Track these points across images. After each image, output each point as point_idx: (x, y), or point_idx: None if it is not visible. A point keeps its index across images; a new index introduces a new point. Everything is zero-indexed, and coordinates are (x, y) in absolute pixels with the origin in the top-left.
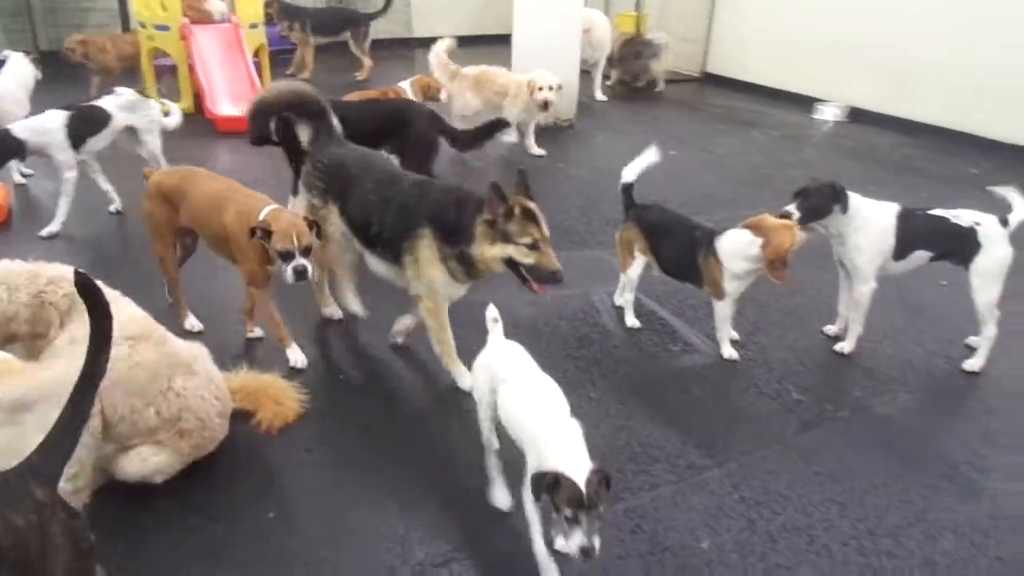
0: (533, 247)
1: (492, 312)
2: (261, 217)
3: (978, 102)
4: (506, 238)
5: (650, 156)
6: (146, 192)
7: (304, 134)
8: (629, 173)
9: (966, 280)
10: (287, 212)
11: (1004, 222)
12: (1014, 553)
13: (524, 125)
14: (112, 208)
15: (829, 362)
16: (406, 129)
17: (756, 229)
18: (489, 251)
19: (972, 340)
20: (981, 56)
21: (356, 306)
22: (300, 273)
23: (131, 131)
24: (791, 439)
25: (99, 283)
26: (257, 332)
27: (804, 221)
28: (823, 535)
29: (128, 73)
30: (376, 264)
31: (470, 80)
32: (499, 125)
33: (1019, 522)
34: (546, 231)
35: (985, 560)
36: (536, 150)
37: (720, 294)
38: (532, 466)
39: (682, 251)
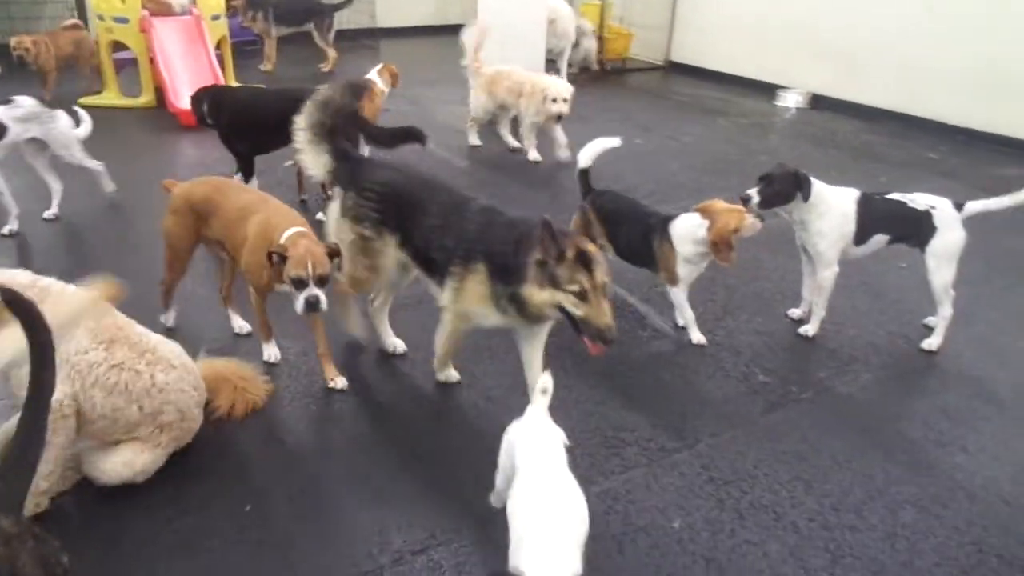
0: (582, 296)
1: (544, 381)
2: (282, 240)
3: (933, 88)
4: (555, 283)
5: (607, 143)
6: (170, 206)
7: (324, 155)
8: (585, 158)
9: (923, 263)
10: (308, 238)
11: (958, 206)
12: (970, 523)
13: (528, 128)
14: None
15: (794, 345)
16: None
17: (704, 212)
18: (538, 295)
19: (930, 320)
20: (935, 43)
21: (388, 338)
22: (312, 304)
23: (38, 143)
24: (758, 420)
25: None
26: (244, 328)
27: (764, 206)
28: (790, 511)
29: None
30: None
31: (485, 79)
32: (415, 135)
33: (975, 493)
34: (602, 278)
35: (943, 530)
36: (534, 155)
37: (674, 279)
38: (511, 554)
39: (638, 237)
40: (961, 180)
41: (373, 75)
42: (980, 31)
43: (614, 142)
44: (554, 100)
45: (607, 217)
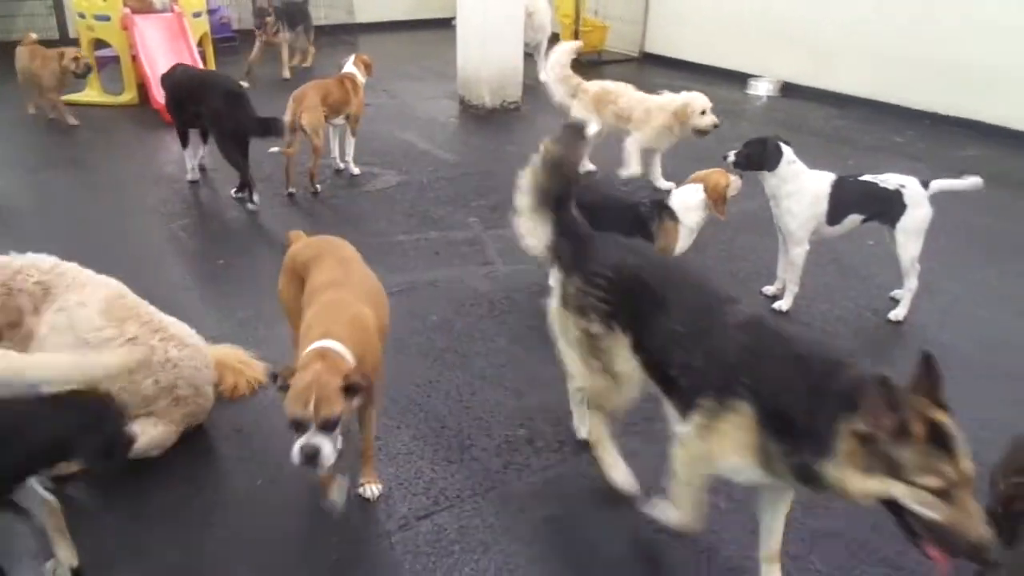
0: (942, 494)
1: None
2: (301, 355)
3: (900, 74)
4: (893, 469)
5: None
6: (283, 265)
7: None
8: None
9: (891, 239)
10: (327, 361)
11: (925, 184)
12: None
13: (650, 154)
14: None
15: None
16: (201, 106)
17: (696, 180)
18: (859, 483)
19: (896, 293)
20: (901, 31)
21: (620, 476)
22: (310, 457)
23: None
24: None
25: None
26: None
27: (738, 167)
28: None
29: None
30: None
31: (590, 97)
32: (276, 127)
33: None
34: (968, 468)
35: None
36: (663, 183)
37: (671, 255)
38: None
39: (629, 225)
40: (926, 162)
41: (350, 67)
42: (943, 19)
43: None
44: (702, 112)
45: (589, 210)
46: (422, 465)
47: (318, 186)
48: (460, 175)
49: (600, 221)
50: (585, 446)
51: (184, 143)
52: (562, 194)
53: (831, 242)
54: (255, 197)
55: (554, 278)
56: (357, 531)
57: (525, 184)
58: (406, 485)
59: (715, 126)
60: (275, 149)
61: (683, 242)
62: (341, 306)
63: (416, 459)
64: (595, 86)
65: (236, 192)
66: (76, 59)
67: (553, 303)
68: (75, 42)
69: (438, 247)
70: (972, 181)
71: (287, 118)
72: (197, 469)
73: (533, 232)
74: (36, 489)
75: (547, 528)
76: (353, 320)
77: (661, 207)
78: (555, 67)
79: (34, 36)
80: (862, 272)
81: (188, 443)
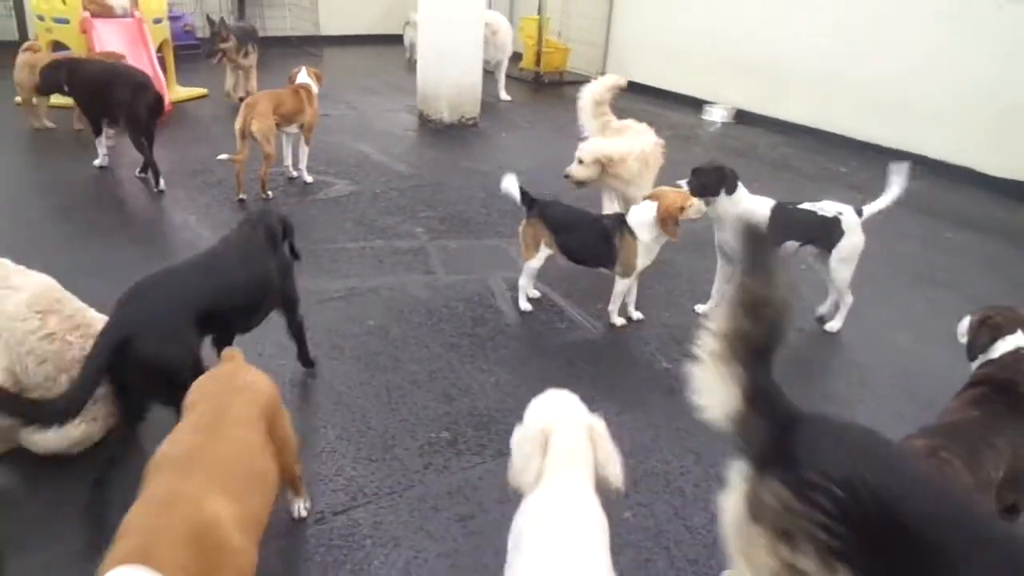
0: None
1: None
2: None
3: (845, 106)
4: None
5: (511, 181)
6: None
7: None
8: (511, 187)
9: (823, 265)
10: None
11: (859, 212)
12: None
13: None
14: None
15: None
16: (111, 97)
17: (652, 197)
18: None
19: (820, 309)
20: (846, 63)
21: None
22: None
23: None
24: (658, 402)
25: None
26: None
27: (693, 194)
28: (679, 479)
29: None
30: None
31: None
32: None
33: None
34: None
35: None
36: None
37: (630, 270)
38: None
39: (595, 240)
40: (866, 192)
41: (304, 78)
42: (886, 57)
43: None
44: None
45: (557, 227)
46: (344, 463)
47: (269, 192)
48: (412, 187)
49: (570, 235)
50: (506, 450)
51: (96, 132)
52: (765, 346)
53: None
54: (161, 182)
55: (737, 470)
56: (272, 524)
57: (718, 325)
58: (325, 481)
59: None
60: (224, 156)
61: (642, 259)
62: (177, 507)
63: (339, 457)
64: (620, 126)
65: (139, 172)
66: None
67: (732, 504)
68: None
69: (382, 255)
70: (890, 194)
71: (237, 125)
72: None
73: (712, 391)
74: None
75: (459, 526)
76: (194, 537)
77: (622, 222)
78: (589, 101)
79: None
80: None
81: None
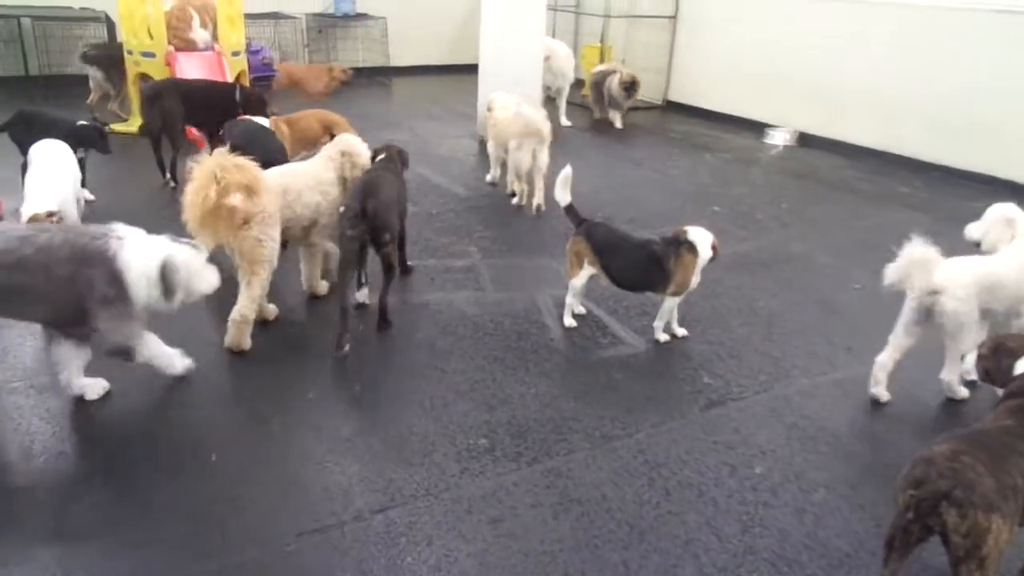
0: None
1: None
2: None
3: (910, 127)
4: None
5: (565, 173)
6: None
7: None
8: (562, 197)
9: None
10: None
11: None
12: (874, 503)
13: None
14: None
15: (741, 353)
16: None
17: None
18: None
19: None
20: (912, 85)
21: None
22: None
23: None
24: (697, 415)
25: None
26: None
27: None
28: (712, 489)
29: None
30: None
31: None
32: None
33: (883, 476)
34: None
35: (848, 507)
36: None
37: (684, 289)
38: None
39: (643, 265)
40: (926, 212)
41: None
42: (954, 73)
43: (567, 171)
44: None
45: (602, 249)
46: (385, 466)
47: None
48: (468, 208)
49: (615, 258)
50: (541, 458)
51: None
52: None
53: (816, 284)
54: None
55: None
56: (314, 519)
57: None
58: (366, 482)
59: None
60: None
61: (698, 276)
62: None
63: (381, 460)
64: None
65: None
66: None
67: None
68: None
69: (434, 273)
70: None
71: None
72: (149, 451)
73: None
74: None
75: (489, 528)
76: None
77: (678, 244)
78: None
79: None
80: (848, 313)
81: (144, 429)
